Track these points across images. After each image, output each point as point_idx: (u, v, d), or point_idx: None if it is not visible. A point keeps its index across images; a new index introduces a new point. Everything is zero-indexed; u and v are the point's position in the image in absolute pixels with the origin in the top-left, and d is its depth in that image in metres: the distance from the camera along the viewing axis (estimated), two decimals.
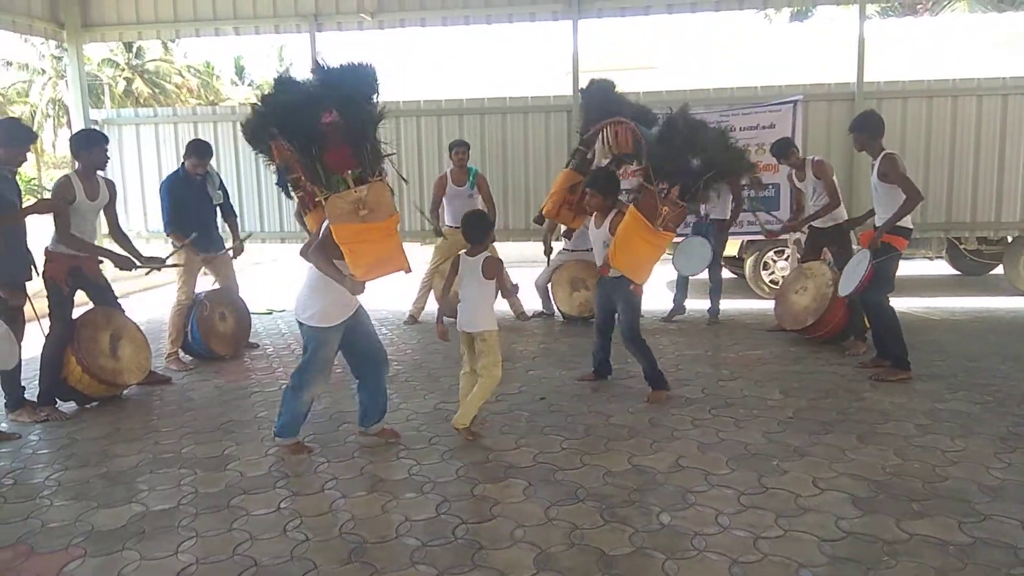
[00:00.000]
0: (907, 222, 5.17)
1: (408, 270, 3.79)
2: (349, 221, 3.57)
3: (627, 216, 4.59)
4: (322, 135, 3.53)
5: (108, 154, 5.21)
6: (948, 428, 4.27)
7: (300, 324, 3.95)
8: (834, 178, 6.36)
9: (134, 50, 34.80)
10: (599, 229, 4.83)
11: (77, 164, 5.11)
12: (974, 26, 17.54)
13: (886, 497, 3.40)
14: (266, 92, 3.83)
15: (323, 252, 3.72)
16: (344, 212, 3.57)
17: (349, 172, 3.61)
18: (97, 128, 5.39)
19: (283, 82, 3.85)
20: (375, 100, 3.69)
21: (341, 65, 3.66)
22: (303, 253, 3.96)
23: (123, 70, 35.06)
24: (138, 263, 5.32)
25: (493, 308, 4.28)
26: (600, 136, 5.08)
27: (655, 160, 4.60)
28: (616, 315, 5.02)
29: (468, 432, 4.22)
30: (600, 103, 4.97)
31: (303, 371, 4.04)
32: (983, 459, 3.81)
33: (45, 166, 34.91)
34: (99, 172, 5.20)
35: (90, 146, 5.05)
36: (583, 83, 5.84)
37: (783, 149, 6.57)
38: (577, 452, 4.05)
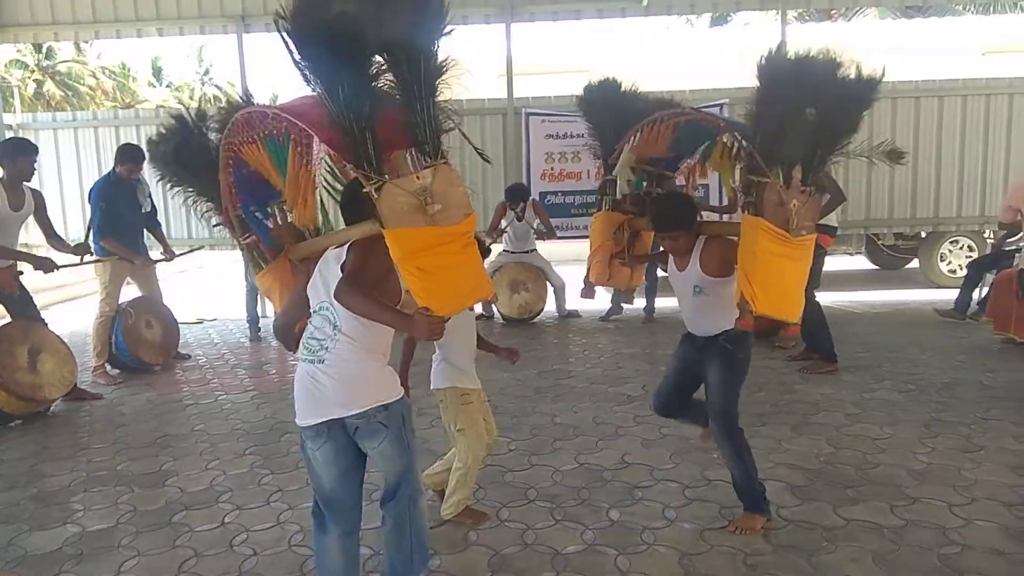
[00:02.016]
0: (832, 221, 5.41)
1: (495, 297, 2.82)
2: (414, 223, 2.34)
3: (746, 233, 2.94)
4: (373, 92, 2.33)
5: (35, 166, 5.00)
6: (876, 417, 4.48)
7: (359, 419, 2.41)
8: None
9: (44, 51, 33.25)
10: (684, 271, 3.28)
11: (1, 173, 4.88)
12: (883, 32, 18.41)
13: (822, 485, 3.55)
14: (287, 11, 2.29)
15: (360, 289, 2.35)
16: (407, 210, 2.33)
17: (404, 152, 2.40)
18: (24, 137, 5.09)
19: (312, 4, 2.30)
20: (439, 44, 2.38)
21: None
22: (277, 329, 2.85)
23: (33, 72, 33.44)
24: (59, 264, 5.13)
25: (457, 359, 3.24)
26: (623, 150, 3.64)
27: (759, 137, 2.98)
28: (705, 386, 3.35)
29: (469, 515, 3.32)
30: (611, 109, 3.70)
31: (409, 475, 2.52)
32: (910, 445, 4.01)
33: None
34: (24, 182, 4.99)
35: (16, 155, 4.86)
36: (514, 88, 5.19)
37: None
38: (525, 452, 4.08)
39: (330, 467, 2.45)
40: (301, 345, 2.52)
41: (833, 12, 21.55)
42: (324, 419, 2.40)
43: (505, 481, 3.71)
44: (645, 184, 3.74)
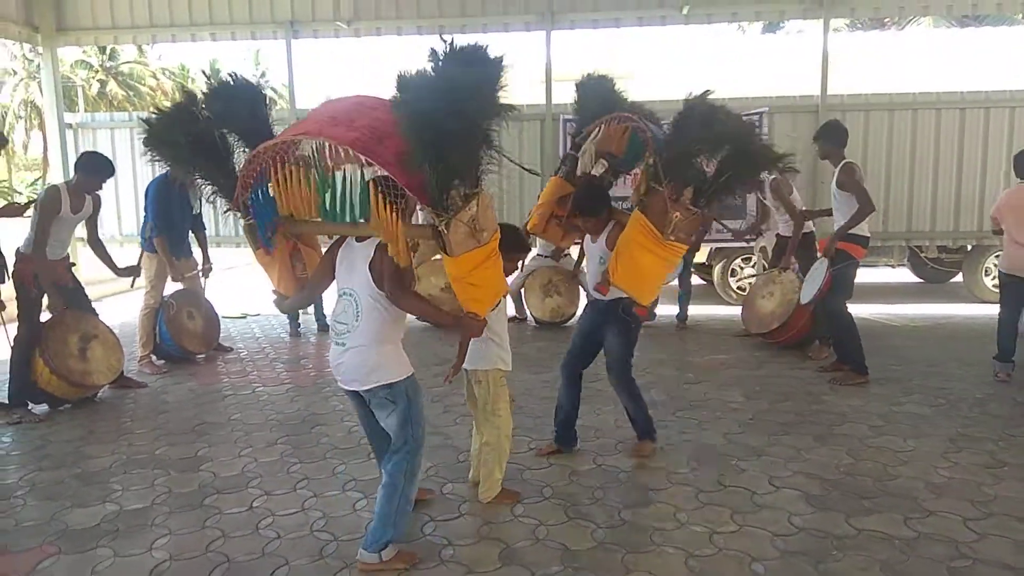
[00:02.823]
0: (864, 231, 5.36)
1: (505, 293, 3.29)
2: (468, 248, 2.81)
3: (630, 223, 3.70)
4: (451, 138, 2.61)
5: (104, 186, 5.31)
6: (901, 429, 4.45)
7: (367, 393, 3.00)
8: (794, 194, 6.56)
9: (108, 52, 34.47)
10: (595, 244, 4.00)
11: (73, 177, 5.18)
12: (938, 40, 18.00)
13: (838, 495, 3.56)
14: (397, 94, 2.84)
15: (411, 290, 2.96)
16: (464, 238, 2.78)
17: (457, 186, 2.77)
18: (107, 157, 5.33)
19: (405, 82, 2.82)
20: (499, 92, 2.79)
21: (461, 48, 2.76)
22: (283, 309, 3.63)
23: (96, 72, 34.69)
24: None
25: (500, 338, 3.57)
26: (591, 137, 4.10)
27: (665, 155, 3.63)
28: (603, 349, 4.11)
29: (505, 496, 3.55)
30: (597, 101, 4.12)
31: (414, 449, 3.01)
32: (932, 459, 3.98)
33: (16, 168, 34.43)
34: None
35: (93, 174, 5.17)
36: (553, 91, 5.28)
37: None
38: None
39: (358, 412, 3.19)
40: (331, 325, 3.09)
41: (886, 20, 21.18)
42: (346, 388, 3.05)
43: (523, 479, 3.80)
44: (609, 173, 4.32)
